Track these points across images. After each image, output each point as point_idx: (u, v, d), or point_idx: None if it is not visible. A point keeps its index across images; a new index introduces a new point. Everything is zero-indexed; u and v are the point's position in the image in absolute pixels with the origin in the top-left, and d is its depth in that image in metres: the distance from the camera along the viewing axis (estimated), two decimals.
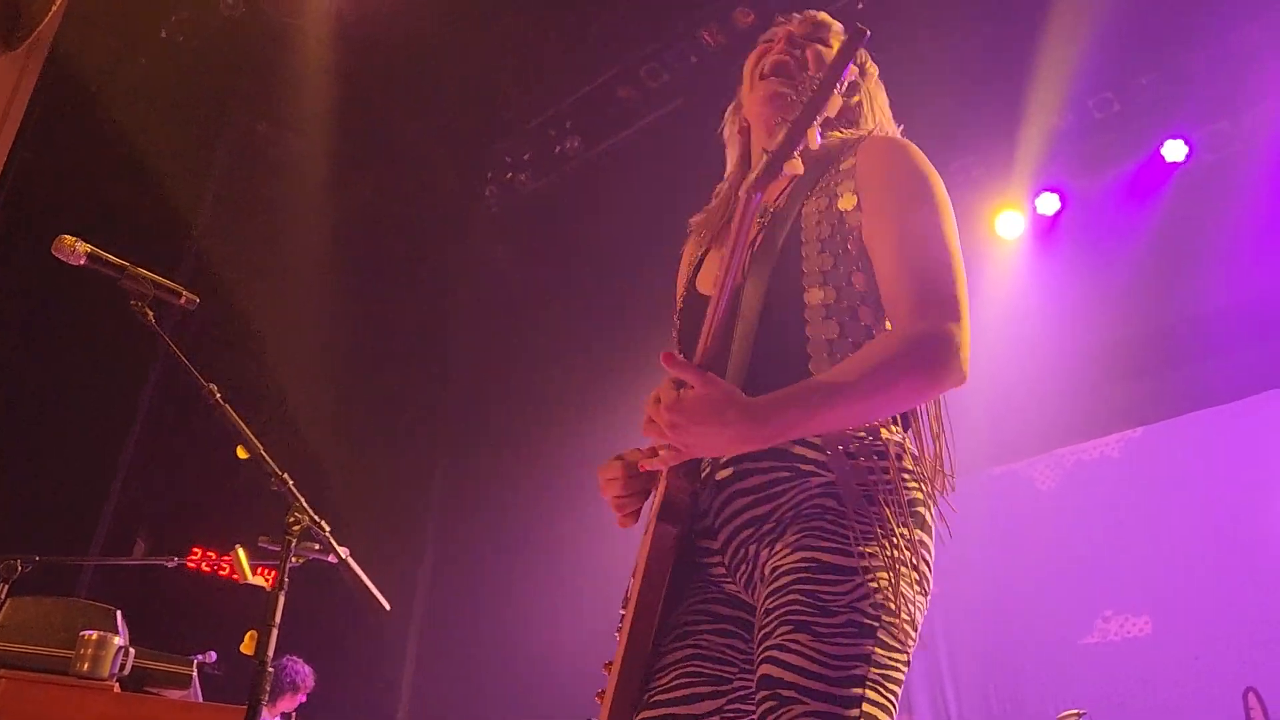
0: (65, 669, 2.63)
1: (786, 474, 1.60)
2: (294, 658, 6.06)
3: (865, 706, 1.42)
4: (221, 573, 7.04)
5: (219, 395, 2.22)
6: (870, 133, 1.88)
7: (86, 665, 2.63)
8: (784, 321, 1.66)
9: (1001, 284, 7.32)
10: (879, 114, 1.99)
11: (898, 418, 1.69)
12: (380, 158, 8.14)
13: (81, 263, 2.16)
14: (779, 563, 1.54)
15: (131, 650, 2.73)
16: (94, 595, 4.56)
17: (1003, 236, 7.32)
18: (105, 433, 6.11)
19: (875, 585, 1.49)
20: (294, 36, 7.20)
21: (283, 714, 5.99)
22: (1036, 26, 6.34)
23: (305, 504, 2.34)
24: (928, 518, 1.65)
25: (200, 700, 3.08)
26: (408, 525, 8.25)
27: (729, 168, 2.10)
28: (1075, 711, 5.62)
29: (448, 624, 8.32)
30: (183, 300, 2.24)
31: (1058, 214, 7.19)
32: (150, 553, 5.66)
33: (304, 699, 6.11)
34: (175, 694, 2.82)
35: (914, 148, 1.78)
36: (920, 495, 1.64)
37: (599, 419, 8.64)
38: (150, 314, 2.20)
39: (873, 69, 2.04)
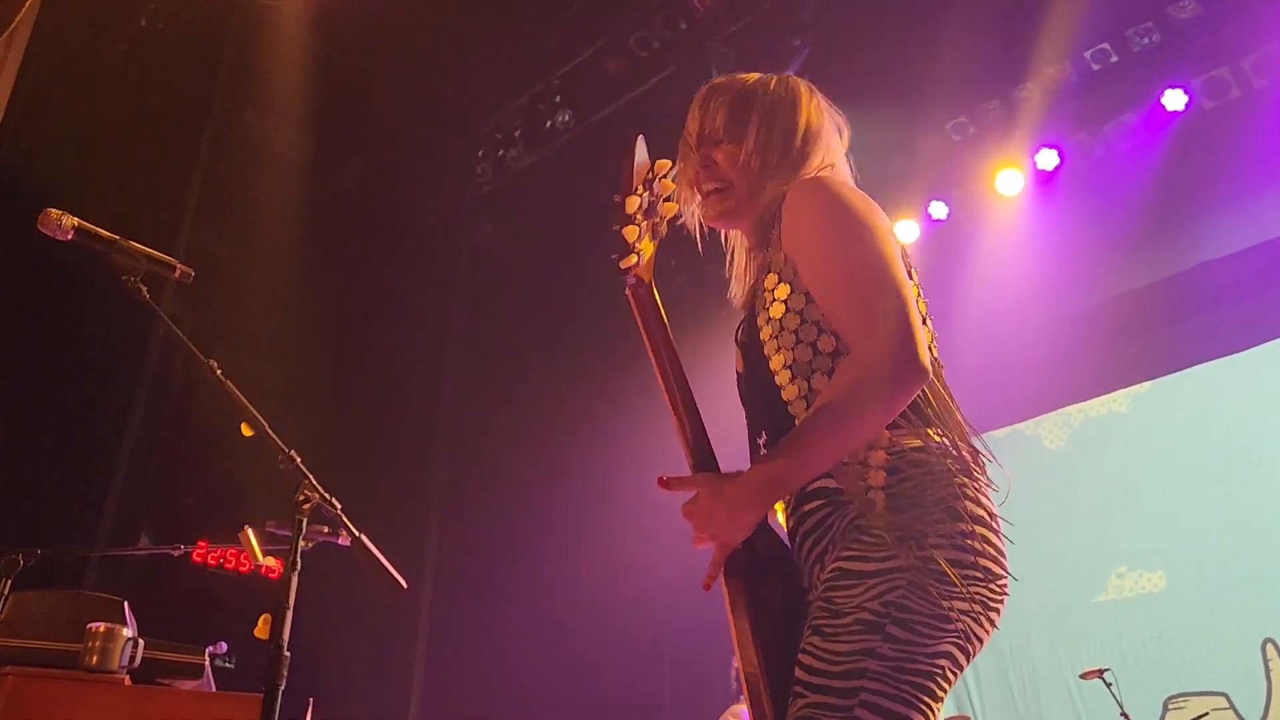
0: (74, 663, 2.55)
1: (830, 508, 1.74)
2: None
3: (864, 696, 1.51)
4: (228, 565, 6.98)
5: (220, 371, 2.13)
6: (795, 184, 1.90)
7: (95, 658, 2.55)
8: (764, 381, 1.84)
9: (1004, 242, 7.26)
10: (821, 154, 1.98)
11: (910, 418, 1.74)
12: (367, 140, 8.04)
13: (69, 237, 2.07)
14: (819, 580, 1.71)
15: (140, 641, 2.65)
16: (99, 588, 4.49)
17: (1003, 194, 7.24)
18: (105, 420, 6.03)
19: (890, 585, 1.56)
20: (273, 19, 7.10)
21: None
22: None
23: (315, 481, 2.25)
24: (964, 507, 1.67)
25: (214, 690, 3.02)
26: (410, 512, 8.19)
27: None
28: (1098, 668, 5.60)
29: (457, 609, 8.28)
30: (177, 274, 2.15)
31: (1057, 169, 7.12)
32: (155, 544, 5.58)
33: None
34: (188, 684, 2.75)
35: (824, 183, 1.85)
36: (953, 489, 1.68)
37: (602, 397, 8.59)
38: (144, 289, 2.11)
39: (817, 101, 2.04)
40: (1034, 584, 7.33)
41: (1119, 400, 7.44)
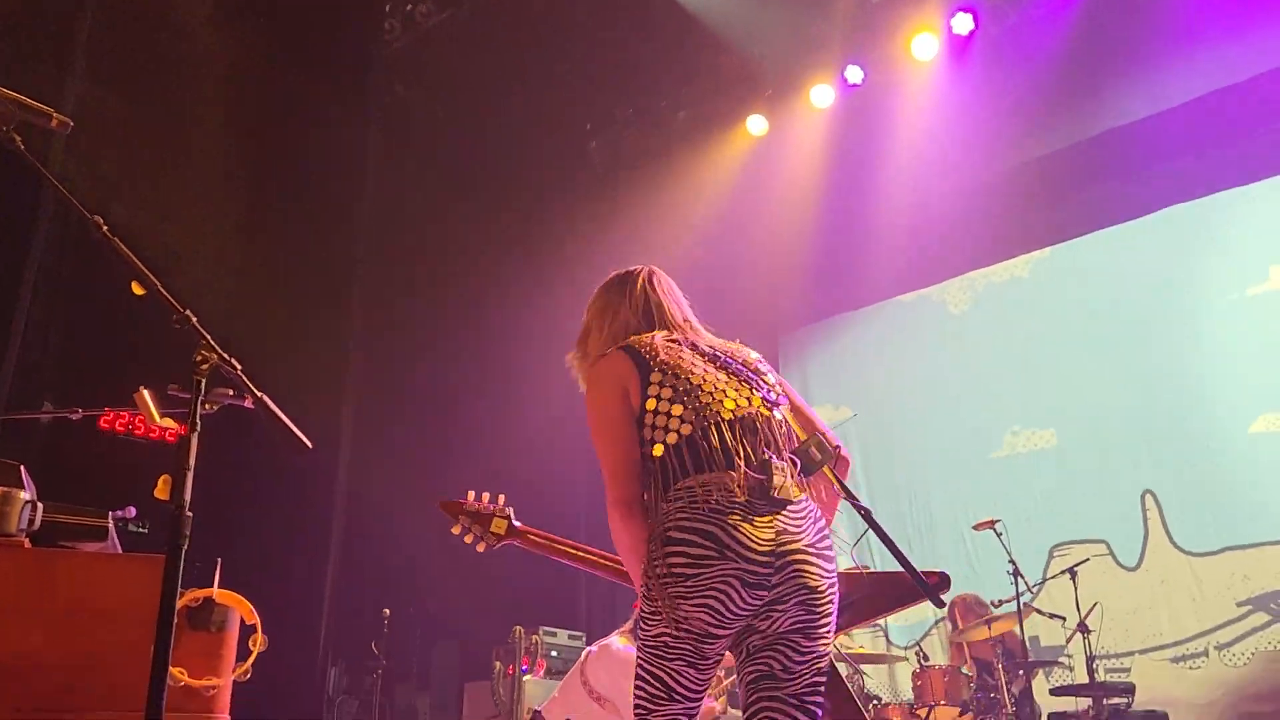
0: None
1: None
2: None
3: (637, 683, 2.26)
4: (138, 432, 6.89)
5: (106, 229, 2.06)
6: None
7: None
8: None
9: (917, 108, 7.28)
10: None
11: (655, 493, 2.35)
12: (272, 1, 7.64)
13: None
14: None
15: (39, 505, 2.63)
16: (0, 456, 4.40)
17: (918, 59, 7.23)
18: None
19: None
20: None
21: None
22: None
23: (212, 341, 2.22)
24: (664, 536, 2.23)
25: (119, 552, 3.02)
26: (325, 375, 8.11)
27: None
28: (989, 520, 5.90)
29: (374, 471, 8.32)
30: (54, 123, 2.04)
31: (972, 34, 7.10)
32: (56, 408, 5.44)
33: None
34: (92, 547, 2.75)
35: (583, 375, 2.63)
36: (664, 523, 2.24)
37: (518, 253, 8.53)
38: (18, 139, 2.01)
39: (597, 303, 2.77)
40: (934, 442, 7.65)
41: (1020, 265, 7.64)
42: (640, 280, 2.70)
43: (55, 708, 2.36)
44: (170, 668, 2.65)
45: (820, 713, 2.23)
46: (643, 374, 2.37)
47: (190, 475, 2.18)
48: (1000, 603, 5.96)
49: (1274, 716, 5.87)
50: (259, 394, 2.49)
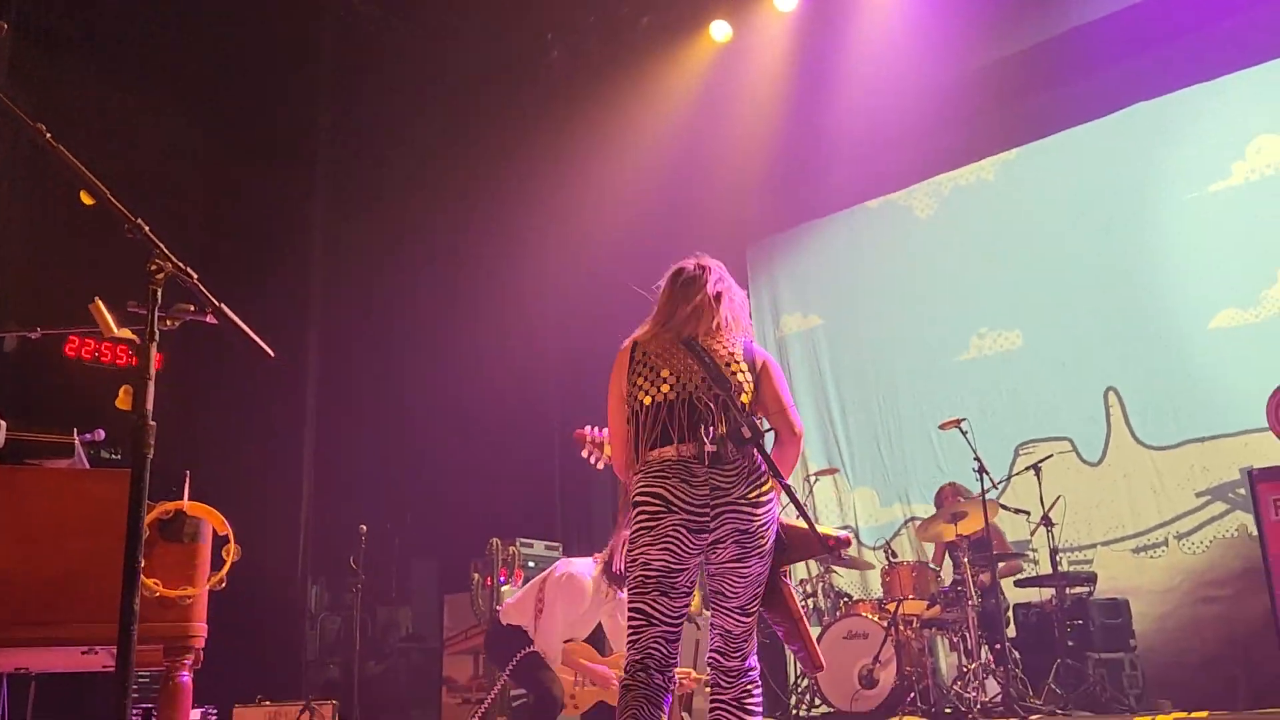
0: None
1: None
2: None
3: (629, 615, 2.86)
4: (104, 359, 6.85)
5: (49, 136, 2.02)
6: None
7: None
8: None
9: (882, 10, 7.17)
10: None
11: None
12: None
13: None
14: None
15: (3, 423, 2.63)
16: None
17: None
18: None
19: None
20: None
21: None
22: None
23: (166, 250, 2.20)
24: (637, 500, 2.86)
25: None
26: (288, 295, 8.07)
27: None
28: (955, 419, 6.00)
29: (347, 385, 8.33)
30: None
31: None
32: (22, 337, 5.37)
33: None
34: (59, 464, 2.75)
35: None
36: (635, 495, 2.87)
37: (486, 174, 8.44)
38: None
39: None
40: (902, 346, 7.72)
41: (987, 168, 7.63)
42: (666, 282, 3.14)
43: (30, 621, 2.39)
44: (144, 579, 2.69)
45: (752, 619, 2.90)
46: (631, 362, 3.00)
47: (151, 385, 2.18)
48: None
49: (1230, 600, 6.08)
50: (217, 303, 2.48)
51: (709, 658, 2.95)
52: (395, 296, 8.61)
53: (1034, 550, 6.55)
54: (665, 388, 2.87)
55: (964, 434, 5.91)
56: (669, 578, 2.79)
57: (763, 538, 2.79)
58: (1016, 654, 5.76)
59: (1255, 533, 5.38)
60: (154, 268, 2.23)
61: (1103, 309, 6.89)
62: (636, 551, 2.80)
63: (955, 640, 5.84)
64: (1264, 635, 5.35)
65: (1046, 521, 5.87)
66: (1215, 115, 6.66)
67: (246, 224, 7.75)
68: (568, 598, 4.59)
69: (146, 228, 2.17)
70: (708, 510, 2.76)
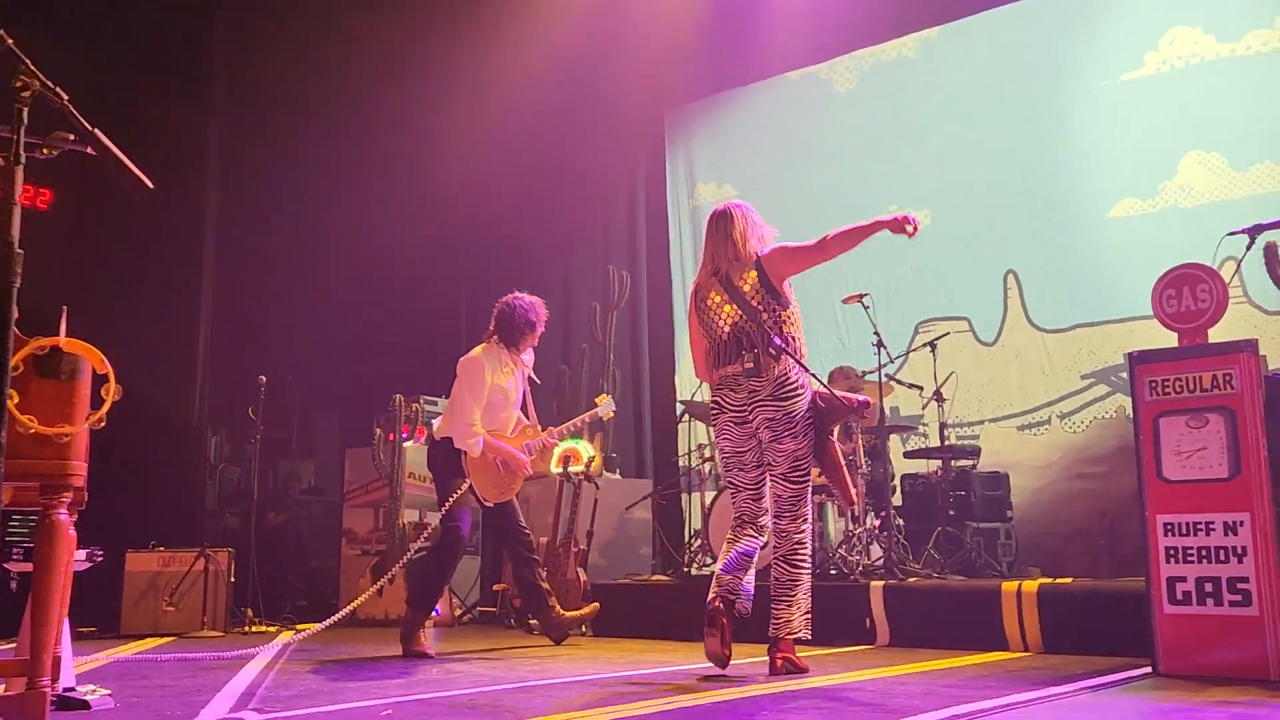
0: None
1: None
2: None
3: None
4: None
5: None
6: None
7: None
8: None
9: None
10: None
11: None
12: None
13: None
14: None
15: None
16: None
17: None
18: None
19: None
20: None
21: None
22: None
23: (33, 66, 2.07)
24: (709, 404, 4.09)
25: None
26: (187, 145, 7.75)
27: None
28: (857, 294, 6.09)
29: (249, 226, 8.10)
30: None
31: None
32: None
33: None
34: None
35: None
36: (709, 402, 4.09)
37: (382, 27, 8.09)
38: None
39: None
40: (813, 219, 7.72)
41: (909, 45, 7.58)
42: (707, 227, 4.18)
43: None
44: (19, 415, 2.61)
45: (799, 486, 3.84)
46: (696, 306, 4.07)
47: (17, 210, 2.08)
48: (865, 374, 6.24)
49: (1103, 477, 6.40)
50: (91, 129, 2.36)
51: (772, 520, 3.87)
52: (304, 147, 8.32)
53: (925, 424, 6.77)
54: (721, 324, 3.92)
55: (866, 309, 6.01)
56: (734, 457, 3.92)
57: (788, 423, 3.77)
58: (901, 521, 6.01)
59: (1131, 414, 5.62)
60: (19, 84, 2.11)
61: (1010, 193, 6.99)
62: (716, 440, 4.03)
63: (844, 506, 6.05)
64: (1130, 510, 5.63)
65: (938, 397, 6.06)
66: (1133, 3, 6.69)
67: (147, 59, 7.35)
68: (467, 378, 4.98)
69: (10, 41, 2.05)
70: (747, 409, 3.84)
